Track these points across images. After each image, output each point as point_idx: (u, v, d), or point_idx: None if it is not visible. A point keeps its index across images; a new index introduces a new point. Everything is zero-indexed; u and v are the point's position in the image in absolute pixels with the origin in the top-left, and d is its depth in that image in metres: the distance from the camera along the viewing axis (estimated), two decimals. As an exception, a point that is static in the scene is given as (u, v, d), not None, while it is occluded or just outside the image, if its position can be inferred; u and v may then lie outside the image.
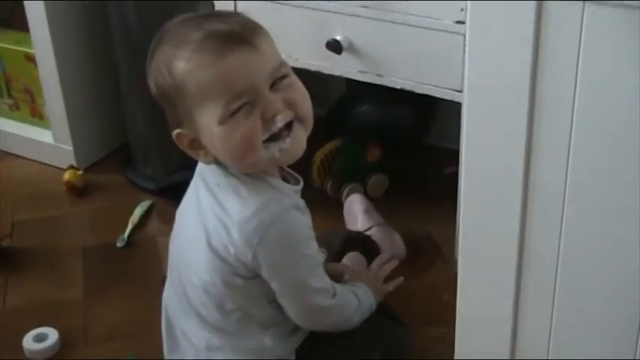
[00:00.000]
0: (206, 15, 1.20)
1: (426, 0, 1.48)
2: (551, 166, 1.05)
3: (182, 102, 1.14)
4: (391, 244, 1.69)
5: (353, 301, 1.29)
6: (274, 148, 1.14)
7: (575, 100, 1.00)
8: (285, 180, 1.24)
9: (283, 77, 1.15)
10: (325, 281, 1.25)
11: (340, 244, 1.53)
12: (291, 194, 1.22)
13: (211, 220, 1.18)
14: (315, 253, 1.23)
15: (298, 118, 1.16)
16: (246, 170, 1.18)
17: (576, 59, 0.98)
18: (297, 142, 1.16)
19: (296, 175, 1.27)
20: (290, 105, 1.14)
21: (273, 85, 1.14)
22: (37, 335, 1.53)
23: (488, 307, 1.18)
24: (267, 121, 1.12)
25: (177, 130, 1.18)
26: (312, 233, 1.22)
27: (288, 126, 1.15)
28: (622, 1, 0.91)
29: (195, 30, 1.13)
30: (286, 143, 1.15)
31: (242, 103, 1.11)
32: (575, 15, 0.95)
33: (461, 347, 1.22)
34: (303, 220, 1.21)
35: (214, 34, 1.11)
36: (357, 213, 1.76)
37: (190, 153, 1.19)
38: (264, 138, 1.13)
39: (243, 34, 1.12)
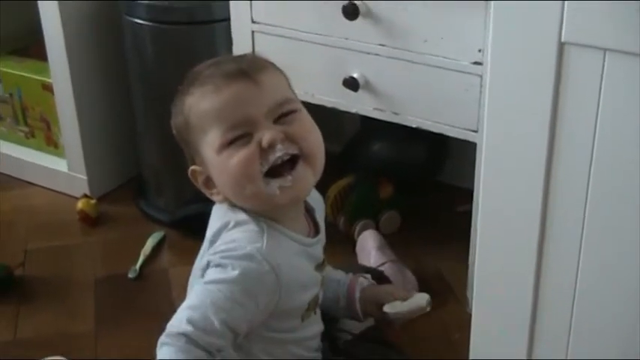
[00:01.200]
0: (227, 57, 1.22)
1: (442, 37, 1.48)
2: (569, 209, 1.05)
3: (190, 136, 1.15)
4: (403, 280, 1.68)
5: None
6: (274, 185, 1.10)
7: (594, 146, 1.00)
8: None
9: (288, 113, 1.13)
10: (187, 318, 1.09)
11: None
12: (295, 247, 1.17)
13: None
14: (234, 316, 1.09)
15: (304, 155, 1.12)
16: (248, 206, 1.14)
17: (596, 106, 0.98)
18: (301, 181, 1.12)
19: (319, 224, 1.24)
20: (292, 138, 1.11)
21: (277, 120, 1.12)
22: (48, 366, 1.53)
23: (502, 347, 1.17)
24: (265, 150, 1.10)
25: (192, 167, 1.18)
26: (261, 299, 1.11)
27: (292, 163, 1.12)
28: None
29: (207, 69, 1.15)
30: (288, 181, 1.11)
31: (239, 133, 1.11)
32: (596, 62, 0.96)
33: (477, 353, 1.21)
34: (266, 284, 1.11)
35: (220, 70, 1.13)
36: (370, 249, 1.76)
37: (205, 191, 1.19)
38: (263, 169, 1.10)
39: (245, 69, 1.13)
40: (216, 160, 1.13)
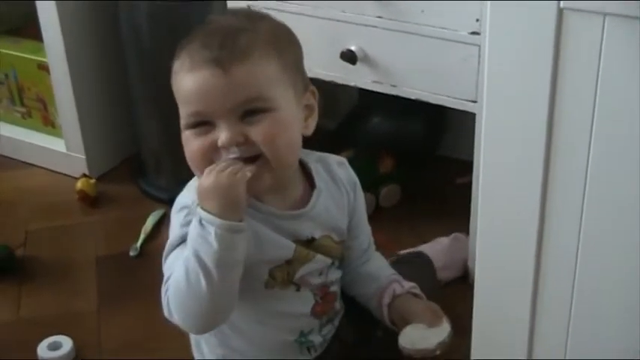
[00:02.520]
0: (221, 25, 1.14)
1: (440, 7, 1.47)
2: (570, 175, 1.04)
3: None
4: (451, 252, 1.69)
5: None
6: None
7: (595, 111, 0.99)
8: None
9: (258, 111, 1.09)
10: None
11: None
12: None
13: None
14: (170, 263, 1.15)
15: (264, 157, 1.09)
16: None
17: (596, 72, 0.97)
18: (254, 179, 1.08)
19: (314, 201, 1.21)
20: (253, 142, 1.08)
21: (243, 116, 1.08)
22: (52, 344, 1.53)
23: (504, 315, 1.17)
24: (219, 148, 1.08)
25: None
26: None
27: (253, 160, 1.10)
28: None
29: (196, 38, 1.11)
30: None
31: (200, 120, 1.09)
32: (595, 27, 0.95)
33: (477, 353, 1.21)
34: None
35: (204, 45, 1.09)
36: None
37: None
38: (215, 162, 1.09)
39: (224, 55, 1.07)
40: (183, 133, 1.12)
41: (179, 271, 1.09)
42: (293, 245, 1.18)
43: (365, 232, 1.33)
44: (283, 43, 1.14)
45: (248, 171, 1.07)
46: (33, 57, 2.05)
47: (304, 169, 1.22)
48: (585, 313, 1.10)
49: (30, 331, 1.58)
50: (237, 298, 1.12)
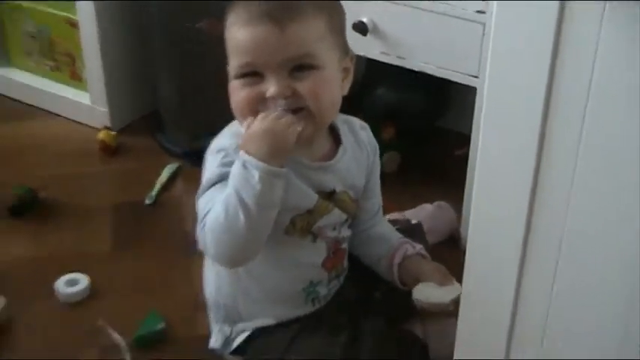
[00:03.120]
0: None
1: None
2: (563, 153, 1.03)
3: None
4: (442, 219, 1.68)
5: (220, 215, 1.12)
6: None
7: (590, 90, 0.98)
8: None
9: (306, 67, 1.10)
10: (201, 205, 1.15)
11: None
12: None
13: None
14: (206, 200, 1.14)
15: (308, 111, 1.11)
16: None
17: (594, 54, 0.95)
18: (295, 130, 1.09)
19: (339, 156, 1.22)
20: (300, 95, 1.10)
21: (292, 71, 1.10)
22: (69, 280, 1.54)
23: (492, 279, 1.16)
24: (267, 99, 1.10)
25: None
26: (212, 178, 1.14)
27: (297, 112, 1.11)
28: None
29: None
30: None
31: (250, 71, 1.10)
32: (596, 10, 0.94)
33: (464, 315, 1.21)
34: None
35: (258, 2, 1.09)
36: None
37: None
38: (259, 113, 1.10)
39: (280, 11, 1.08)
40: (231, 82, 1.13)
41: (218, 207, 1.09)
42: (316, 196, 1.19)
43: (377, 195, 1.34)
44: (332, 6, 1.16)
45: (298, 125, 1.09)
46: (64, 14, 2.04)
47: (331, 127, 1.23)
48: (564, 307, 1.10)
49: (49, 267, 1.59)
50: (266, 238, 1.13)
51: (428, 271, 1.25)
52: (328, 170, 1.21)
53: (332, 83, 1.14)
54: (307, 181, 1.18)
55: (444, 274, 1.24)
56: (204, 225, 1.12)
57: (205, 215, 1.12)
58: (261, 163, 1.06)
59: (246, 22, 1.09)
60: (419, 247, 1.30)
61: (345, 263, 1.31)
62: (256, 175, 1.06)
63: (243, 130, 1.12)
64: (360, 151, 1.26)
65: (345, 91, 1.19)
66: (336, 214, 1.23)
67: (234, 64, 1.12)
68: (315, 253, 1.24)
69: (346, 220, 1.27)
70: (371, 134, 1.30)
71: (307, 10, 1.10)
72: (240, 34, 1.10)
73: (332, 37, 1.14)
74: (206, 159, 1.18)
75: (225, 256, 1.15)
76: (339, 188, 1.22)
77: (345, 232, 1.28)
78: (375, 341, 1.22)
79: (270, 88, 1.09)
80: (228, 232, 1.09)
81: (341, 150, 1.22)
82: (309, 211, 1.20)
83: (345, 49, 1.18)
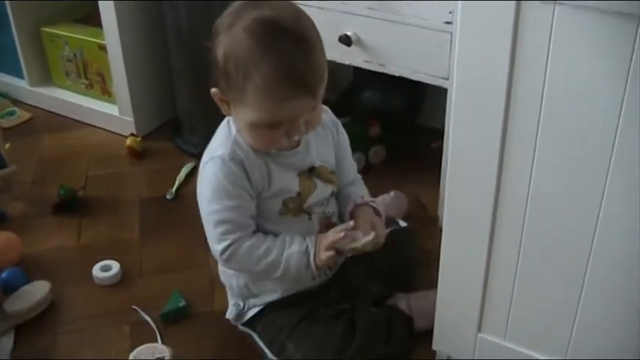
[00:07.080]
0: (286, 23, 1.06)
1: (420, 1, 1.43)
2: (523, 140, 1.00)
3: (239, 81, 1.05)
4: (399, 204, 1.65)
5: (254, 258, 1.17)
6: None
7: (545, 87, 0.95)
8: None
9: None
10: (215, 239, 1.16)
11: None
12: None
13: None
14: (216, 209, 1.15)
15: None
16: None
17: (546, 54, 0.93)
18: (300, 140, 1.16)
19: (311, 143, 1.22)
20: (308, 126, 1.13)
21: None
22: (103, 266, 1.51)
23: (465, 253, 1.13)
24: (287, 134, 1.10)
25: (213, 90, 1.13)
26: (229, 189, 1.13)
27: None
28: (588, 2, 0.86)
29: (268, 33, 1.04)
30: (293, 142, 1.15)
31: (277, 124, 1.09)
32: (547, 15, 0.90)
33: (442, 288, 1.18)
34: (227, 171, 1.12)
35: (291, 65, 1.02)
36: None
37: (217, 103, 1.15)
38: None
39: (314, 80, 1.05)
40: (248, 127, 1.10)
41: (257, 253, 1.16)
42: (297, 178, 1.19)
43: (350, 165, 1.32)
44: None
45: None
46: (95, 40, 2.02)
47: None
48: (528, 276, 1.07)
49: (87, 255, 1.57)
50: None
51: (362, 220, 1.22)
52: (301, 153, 1.20)
53: (321, 106, 1.15)
54: (290, 167, 1.18)
55: (372, 226, 1.20)
56: (230, 255, 1.16)
57: (230, 250, 1.16)
58: (315, 271, 1.19)
59: (283, 95, 1.04)
60: (370, 199, 1.29)
61: None
62: (310, 273, 1.19)
63: (236, 134, 1.14)
64: (323, 130, 1.25)
65: None
66: (320, 191, 1.22)
67: (258, 117, 1.07)
68: (309, 230, 1.22)
69: (331, 193, 1.25)
70: (332, 114, 1.29)
71: (324, 69, 1.09)
72: (272, 104, 1.05)
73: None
74: (204, 161, 1.16)
75: (239, 272, 1.25)
76: (317, 163, 1.22)
77: (332, 207, 1.27)
78: (369, 329, 1.23)
79: (296, 136, 1.11)
80: (257, 273, 1.20)
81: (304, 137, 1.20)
82: (298, 194, 1.20)
83: None
